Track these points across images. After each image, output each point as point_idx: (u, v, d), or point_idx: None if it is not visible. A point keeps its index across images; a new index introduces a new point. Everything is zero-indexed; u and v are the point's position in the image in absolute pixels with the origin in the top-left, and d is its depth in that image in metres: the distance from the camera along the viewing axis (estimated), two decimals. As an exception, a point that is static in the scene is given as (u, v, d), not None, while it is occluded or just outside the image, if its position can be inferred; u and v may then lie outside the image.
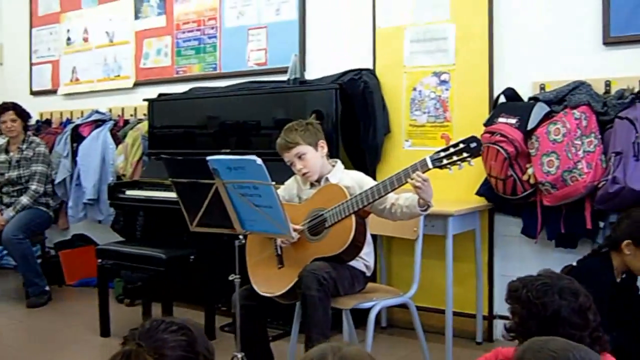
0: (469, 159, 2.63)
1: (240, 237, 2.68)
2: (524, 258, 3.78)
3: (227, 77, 4.86)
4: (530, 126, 3.42)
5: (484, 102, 3.81)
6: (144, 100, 4.93)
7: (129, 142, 5.03)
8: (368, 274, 3.04)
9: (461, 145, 2.64)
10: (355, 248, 2.81)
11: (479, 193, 3.80)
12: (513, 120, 3.49)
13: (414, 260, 3.14)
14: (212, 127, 4.53)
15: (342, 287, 2.84)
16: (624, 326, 2.72)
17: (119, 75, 5.55)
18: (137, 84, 5.46)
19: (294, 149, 2.92)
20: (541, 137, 3.37)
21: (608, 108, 3.33)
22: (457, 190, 3.91)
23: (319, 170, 2.99)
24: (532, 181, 3.44)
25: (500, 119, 3.54)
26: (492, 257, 3.85)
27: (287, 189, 3.10)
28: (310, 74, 4.41)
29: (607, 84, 3.45)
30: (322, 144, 3.00)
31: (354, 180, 2.97)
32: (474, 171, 3.75)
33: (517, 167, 3.47)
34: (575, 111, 3.33)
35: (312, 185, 3.03)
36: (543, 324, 1.97)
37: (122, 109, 5.42)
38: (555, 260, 3.60)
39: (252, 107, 4.39)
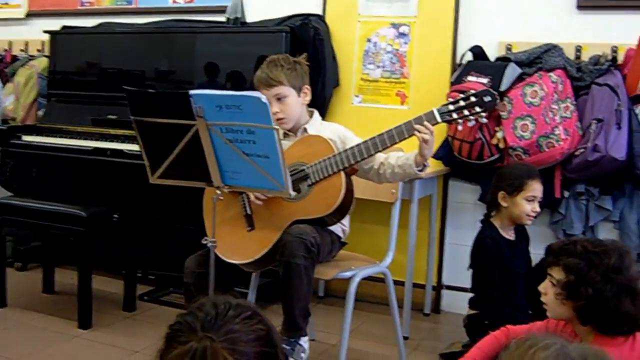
0: (482, 114, 2.35)
1: (218, 192, 2.23)
2: (478, 227, 3.59)
3: (144, 14, 4.26)
4: (503, 87, 3.22)
5: (445, 60, 3.55)
6: (45, 32, 4.21)
7: (20, 80, 4.30)
8: (343, 239, 2.71)
9: (473, 99, 2.35)
10: (342, 211, 2.46)
11: (436, 156, 3.55)
12: (484, 80, 3.26)
13: (389, 225, 2.84)
14: (131, 67, 3.95)
15: (322, 254, 2.48)
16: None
17: (6, 4, 4.73)
18: (30, 15, 4.67)
19: (275, 87, 2.51)
20: (515, 99, 3.17)
21: (583, 74, 3.19)
22: (406, 149, 3.64)
23: (296, 118, 2.60)
24: (501, 145, 3.25)
25: (470, 78, 3.31)
26: (444, 225, 3.64)
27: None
28: (249, 17, 3.93)
29: (578, 49, 3.31)
30: (307, 89, 2.61)
31: (335, 134, 2.61)
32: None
33: (485, 130, 3.26)
34: (552, 74, 3.16)
35: (285, 135, 2.63)
36: (606, 273, 1.85)
37: (10, 43, 4.63)
38: (511, 229, 3.47)
39: (180, 49, 3.87)
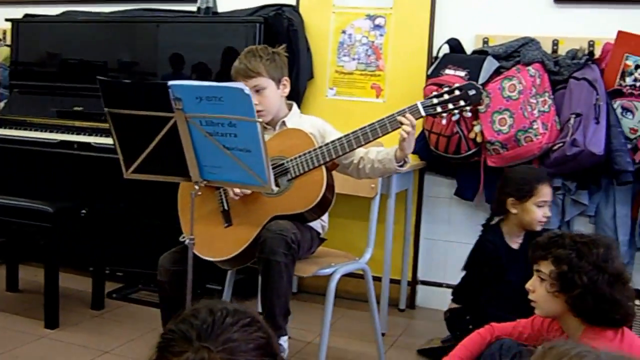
0: (466, 107, 2.30)
1: (196, 187, 2.14)
2: (453, 221, 3.58)
3: (111, 2, 4.11)
4: (481, 81, 3.19)
5: (422, 52, 3.51)
6: (7, 20, 4.04)
7: (-22, 70, 4.13)
8: (323, 235, 2.64)
9: (457, 92, 2.31)
10: (323, 206, 2.39)
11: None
12: (462, 73, 3.23)
13: (366, 220, 2.78)
14: (94, 58, 3.82)
15: (302, 251, 2.41)
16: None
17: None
18: (-13, 1, 4.49)
19: (254, 79, 2.43)
20: (493, 93, 3.14)
21: (561, 68, 3.17)
22: (386, 145, 3.60)
23: (275, 111, 2.53)
24: (478, 139, 3.22)
25: (447, 71, 3.27)
26: (420, 219, 3.61)
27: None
28: (220, 7, 3.82)
29: (555, 42, 3.29)
30: (286, 81, 2.53)
31: (315, 127, 2.54)
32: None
33: (463, 124, 3.22)
34: (530, 68, 3.14)
35: (263, 128, 2.54)
36: (597, 263, 1.85)
37: (-34, 31, 4.44)
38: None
39: (144, 39, 3.75)
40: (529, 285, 2.02)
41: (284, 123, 2.55)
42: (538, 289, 1.99)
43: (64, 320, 3.09)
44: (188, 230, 2.44)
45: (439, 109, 2.32)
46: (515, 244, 2.72)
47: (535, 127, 3.05)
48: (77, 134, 3.54)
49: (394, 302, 3.54)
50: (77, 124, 3.62)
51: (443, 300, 3.57)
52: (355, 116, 3.56)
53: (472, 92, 2.31)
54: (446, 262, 3.59)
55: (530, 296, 2.02)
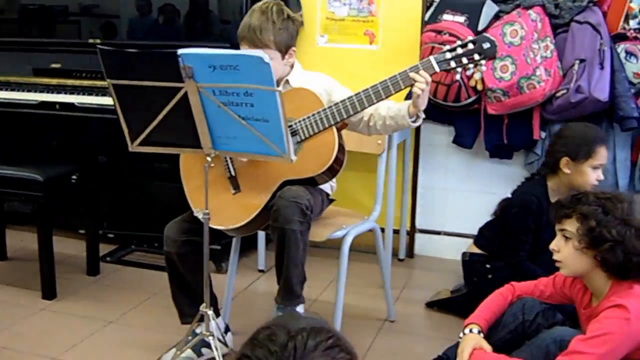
0: (481, 62, 2.22)
1: (209, 159, 2.04)
2: (450, 169, 3.54)
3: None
4: (481, 26, 3.11)
5: (416, -4, 3.37)
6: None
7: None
8: (331, 195, 2.57)
9: (471, 46, 2.21)
10: (334, 169, 2.31)
11: (409, 97, 3.42)
12: (461, 19, 3.13)
13: (375, 177, 2.71)
14: (51, 3, 3.59)
15: (313, 215, 2.34)
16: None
17: None
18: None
19: (260, 50, 2.28)
20: (494, 39, 3.04)
21: (562, 11, 3.09)
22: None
23: (276, 78, 2.40)
24: (479, 87, 3.14)
25: (445, 16, 3.17)
26: (417, 168, 3.55)
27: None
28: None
29: (555, -16, 3.19)
30: (293, 51, 2.40)
31: (320, 84, 2.43)
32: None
33: (463, 72, 3.11)
34: (530, 12, 3.04)
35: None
36: (622, 217, 1.87)
37: None
38: (486, 171, 3.46)
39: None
40: (553, 245, 2.00)
41: (287, 82, 2.43)
42: (563, 248, 1.97)
43: (61, 289, 3.00)
44: (195, 201, 2.36)
45: (453, 64, 2.23)
46: None
47: (538, 73, 2.98)
48: (58, 92, 3.35)
49: (393, 252, 3.52)
50: (56, 81, 3.43)
51: (441, 248, 3.59)
52: (348, 64, 3.45)
53: (486, 46, 2.22)
54: (444, 210, 3.58)
55: (555, 256, 2.00)
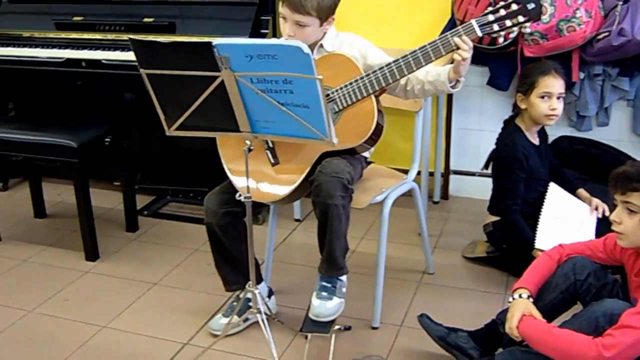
0: (525, 24, 2.12)
1: (248, 142, 2.01)
2: (484, 111, 3.47)
3: None
4: (518, -35, 2.93)
5: None
6: None
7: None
8: (369, 158, 2.54)
9: (514, 7, 2.11)
10: (374, 138, 2.26)
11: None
12: (497, -43, 2.96)
13: (413, 135, 2.67)
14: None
15: (353, 184, 2.32)
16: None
17: None
18: None
19: (300, 15, 2.19)
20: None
21: (604, -54, 2.91)
22: (411, 33, 3.40)
23: (311, 42, 2.32)
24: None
25: (480, -45, 3.00)
26: (451, 110, 3.48)
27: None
28: None
29: None
30: (332, 19, 2.29)
31: (355, 48, 2.35)
32: (430, 14, 3.29)
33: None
34: (571, -52, 2.87)
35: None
36: None
37: None
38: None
39: None
40: (614, 216, 1.94)
41: (321, 46, 2.35)
42: (626, 221, 1.90)
43: (103, 249, 3.06)
44: (235, 172, 2.33)
45: (496, 27, 2.13)
46: (535, 140, 2.76)
47: (578, 15, 2.85)
48: (83, 48, 3.29)
49: (428, 194, 3.51)
50: (79, 36, 3.36)
51: (476, 188, 3.57)
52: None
53: (531, 6, 2.11)
54: (479, 151, 3.52)
55: (615, 227, 1.94)
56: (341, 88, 2.23)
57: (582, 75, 3.09)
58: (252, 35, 3.16)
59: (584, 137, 3.24)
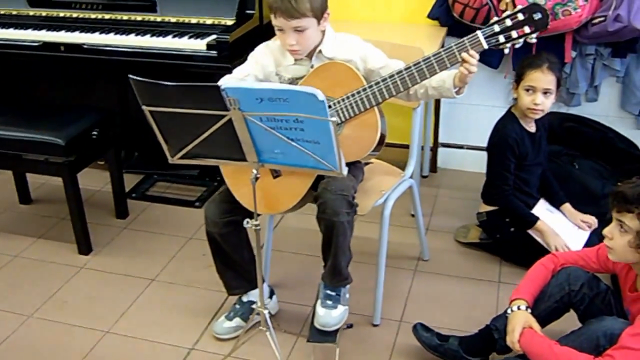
0: (531, 35, 2.08)
1: (254, 171, 1.97)
2: (474, 85, 3.39)
3: None
4: (514, -55, 2.85)
5: None
6: None
7: None
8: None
9: (521, 17, 2.06)
10: (377, 149, 2.24)
11: (431, 16, 3.26)
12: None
13: (410, 131, 2.65)
14: None
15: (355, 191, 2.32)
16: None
17: None
18: None
19: (297, 20, 2.11)
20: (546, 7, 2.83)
21: None
22: (399, 7, 3.33)
23: (312, 47, 2.25)
24: (509, 10, 2.95)
25: None
26: (440, 85, 3.44)
27: (261, 66, 2.32)
28: None
29: None
30: (327, 14, 2.21)
31: (355, 51, 2.28)
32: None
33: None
34: None
35: (296, 59, 2.29)
36: None
37: None
38: (508, 88, 3.35)
39: None
40: (606, 231, 2.00)
41: (320, 52, 2.28)
42: (617, 238, 1.96)
43: (95, 239, 3.02)
44: (235, 186, 2.29)
45: (502, 38, 2.09)
46: (531, 128, 2.78)
47: (574, -1, 2.80)
48: (59, 29, 3.14)
49: (415, 168, 3.53)
50: (55, 14, 3.21)
51: (464, 161, 3.60)
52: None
53: (537, 16, 2.07)
54: (468, 124, 3.54)
55: (607, 242, 2.01)
56: (343, 100, 2.19)
57: (574, 53, 3.07)
58: (238, 17, 3.06)
59: (573, 114, 3.26)
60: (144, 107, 1.82)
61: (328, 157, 1.83)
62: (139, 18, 3.14)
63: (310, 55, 2.28)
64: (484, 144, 3.49)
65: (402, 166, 2.65)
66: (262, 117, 1.76)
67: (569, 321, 2.18)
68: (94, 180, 3.51)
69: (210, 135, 1.86)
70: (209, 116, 1.79)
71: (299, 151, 1.85)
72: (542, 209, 2.80)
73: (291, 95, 1.68)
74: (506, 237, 2.80)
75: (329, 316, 2.29)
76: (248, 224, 2.11)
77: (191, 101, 1.76)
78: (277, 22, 2.16)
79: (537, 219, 2.70)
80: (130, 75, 1.76)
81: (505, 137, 2.73)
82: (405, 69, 2.14)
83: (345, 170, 1.89)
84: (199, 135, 1.86)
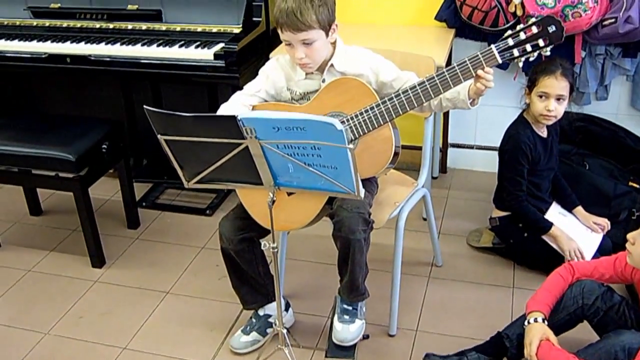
0: (546, 48, 2.06)
1: (270, 194, 1.96)
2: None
3: None
4: (523, -53, 2.83)
5: None
6: None
7: None
8: (382, 170, 2.52)
9: (535, 30, 2.04)
10: (392, 163, 2.23)
11: (439, 18, 3.23)
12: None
13: (422, 140, 2.64)
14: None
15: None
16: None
17: None
18: None
19: (304, 33, 2.09)
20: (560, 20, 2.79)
21: None
22: (406, 9, 3.30)
23: (322, 59, 2.23)
24: (518, 12, 2.95)
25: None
26: (449, 86, 3.42)
27: (272, 81, 2.30)
28: None
29: None
30: (335, 26, 2.19)
31: (367, 65, 2.26)
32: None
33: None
34: None
35: (307, 73, 2.27)
36: None
37: None
38: (517, 88, 3.32)
39: None
40: (630, 236, 2.01)
41: (332, 66, 2.26)
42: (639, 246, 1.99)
43: (107, 252, 3.02)
44: (248, 202, 2.28)
45: (516, 52, 2.07)
46: (542, 133, 2.76)
47: (584, 1, 2.77)
48: (65, 40, 3.12)
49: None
50: (58, 24, 3.19)
51: (474, 161, 3.59)
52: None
53: (552, 29, 2.05)
54: (477, 124, 3.53)
55: (629, 247, 2.02)
56: (357, 116, 2.17)
57: (583, 53, 3.05)
58: (244, 24, 3.03)
59: (583, 113, 3.24)
60: (159, 137, 1.81)
61: (345, 181, 1.82)
62: (144, 27, 3.12)
63: (321, 70, 2.26)
64: (494, 144, 3.49)
65: (413, 168, 2.63)
66: (278, 144, 1.75)
67: (583, 331, 2.19)
68: (103, 189, 3.50)
69: (226, 162, 1.86)
70: (225, 144, 1.78)
71: (316, 175, 1.84)
72: (554, 212, 2.80)
73: (308, 124, 1.66)
74: (519, 242, 2.79)
75: (347, 331, 2.30)
76: (266, 246, 2.10)
77: (207, 130, 1.75)
78: (284, 36, 2.14)
79: (551, 224, 2.70)
80: (146, 107, 1.75)
81: (518, 143, 2.71)
82: (419, 84, 2.12)
83: (362, 193, 1.89)
84: (215, 162, 1.85)
